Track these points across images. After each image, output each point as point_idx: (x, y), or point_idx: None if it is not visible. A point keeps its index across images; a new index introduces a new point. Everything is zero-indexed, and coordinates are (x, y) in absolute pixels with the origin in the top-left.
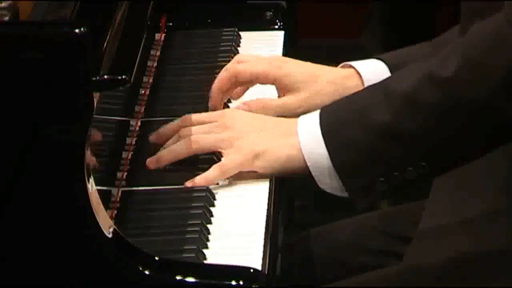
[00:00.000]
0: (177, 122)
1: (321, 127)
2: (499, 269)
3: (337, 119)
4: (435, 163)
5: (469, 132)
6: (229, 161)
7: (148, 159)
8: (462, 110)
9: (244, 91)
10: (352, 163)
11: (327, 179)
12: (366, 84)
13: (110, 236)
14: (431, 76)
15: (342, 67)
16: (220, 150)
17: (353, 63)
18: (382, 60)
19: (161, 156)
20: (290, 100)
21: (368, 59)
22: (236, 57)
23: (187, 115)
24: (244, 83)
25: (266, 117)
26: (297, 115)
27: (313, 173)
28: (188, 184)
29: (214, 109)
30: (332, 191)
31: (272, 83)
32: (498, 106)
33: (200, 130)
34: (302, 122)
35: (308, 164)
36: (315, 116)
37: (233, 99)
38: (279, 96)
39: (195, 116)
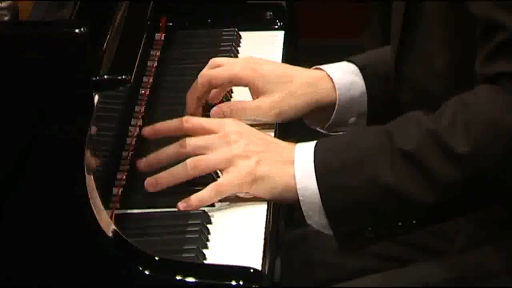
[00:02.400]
0: (177, 122)
1: (315, 164)
2: None
3: (333, 161)
4: (426, 222)
5: (468, 202)
6: (227, 182)
7: (147, 180)
8: (468, 185)
9: (221, 93)
10: (343, 209)
11: (316, 216)
12: (338, 88)
13: (110, 236)
14: (438, 144)
15: (315, 69)
16: (220, 169)
17: (323, 66)
18: (352, 62)
19: (161, 179)
20: (263, 102)
21: (339, 62)
22: (210, 62)
23: (187, 118)
24: (219, 86)
25: (268, 137)
26: (271, 117)
27: (303, 208)
28: (181, 205)
29: (192, 115)
30: (319, 228)
31: (246, 85)
32: (502, 180)
33: (202, 143)
34: (298, 153)
35: (300, 198)
36: (310, 149)
37: (211, 102)
38: (253, 98)
39: (196, 121)
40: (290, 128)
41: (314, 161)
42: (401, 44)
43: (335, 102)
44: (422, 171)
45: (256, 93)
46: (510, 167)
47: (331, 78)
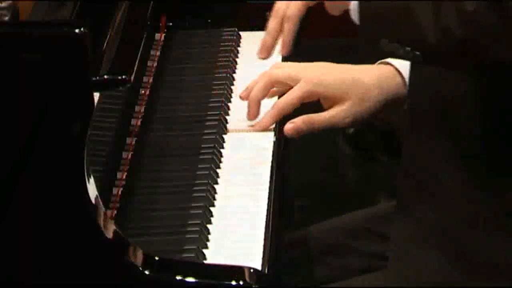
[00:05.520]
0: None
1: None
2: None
3: None
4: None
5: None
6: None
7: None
8: (466, 41)
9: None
10: (372, 13)
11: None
12: (407, 81)
13: (110, 236)
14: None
15: (381, 64)
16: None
17: (391, 60)
18: None
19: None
20: (337, 111)
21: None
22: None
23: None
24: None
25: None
26: (345, 124)
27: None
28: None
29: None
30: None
31: (317, 100)
32: (494, 50)
33: None
34: None
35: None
36: None
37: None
38: (324, 108)
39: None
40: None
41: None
42: None
43: (405, 96)
44: (436, 9)
45: (327, 102)
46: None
47: (399, 73)
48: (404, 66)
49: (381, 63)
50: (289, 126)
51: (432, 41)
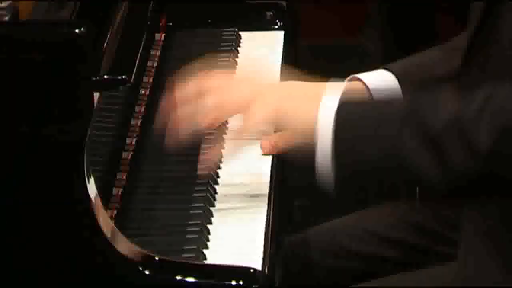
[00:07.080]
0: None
1: (335, 125)
2: None
3: (354, 129)
4: (429, 196)
5: (478, 191)
6: (254, 112)
7: (167, 138)
8: (481, 177)
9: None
10: (353, 171)
11: (324, 168)
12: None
13: (110, 236)
14: (461, 134)
15: (350, 80)
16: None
17: (361, 75)
18: (390, 71)
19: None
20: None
21: (375, 70)
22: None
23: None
24: None
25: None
26: None
27: (317, 153)
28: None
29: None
30: (321, 176)
31: None
32: None
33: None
34: (326, 98)
35: (317, 140)
36: (335, 100)
37: None
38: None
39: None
40: None
41: (335, 121)
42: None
43: None
44: (439, 156)
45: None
46: None
47: (369, 90)
48: (374, 82)
49: (352, 78)
50: (266, 144)
51: (441, 185)
